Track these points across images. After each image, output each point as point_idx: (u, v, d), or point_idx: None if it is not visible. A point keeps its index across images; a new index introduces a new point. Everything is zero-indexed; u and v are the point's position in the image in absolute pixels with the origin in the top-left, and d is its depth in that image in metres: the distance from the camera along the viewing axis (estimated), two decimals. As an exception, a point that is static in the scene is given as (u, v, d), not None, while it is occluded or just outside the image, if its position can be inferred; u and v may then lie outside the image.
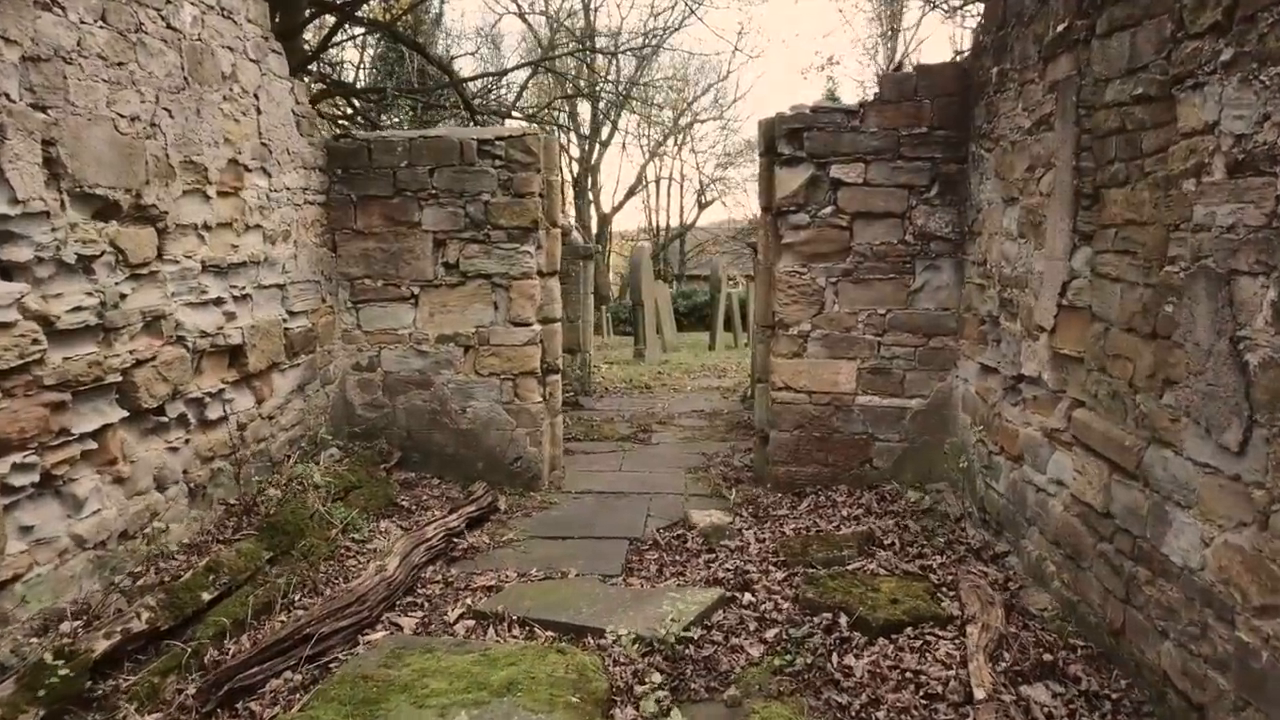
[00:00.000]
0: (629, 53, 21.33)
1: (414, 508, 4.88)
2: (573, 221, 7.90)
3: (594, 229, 32.26)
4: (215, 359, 4.14)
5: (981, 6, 5.28)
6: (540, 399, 5.50)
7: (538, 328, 5.46)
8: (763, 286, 5.56)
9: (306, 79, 13.92)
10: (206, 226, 4.02)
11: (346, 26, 17.56)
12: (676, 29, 27.42)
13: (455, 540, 4.38)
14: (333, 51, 20.19)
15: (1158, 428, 2.90)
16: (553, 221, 5.60)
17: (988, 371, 4.68)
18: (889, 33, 24.38)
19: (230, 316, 4.24)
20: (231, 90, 4.25)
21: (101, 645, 2.73)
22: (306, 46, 12.86)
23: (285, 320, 4.79)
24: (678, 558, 4.24)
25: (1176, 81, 2.80)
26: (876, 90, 5.22)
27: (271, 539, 3.81)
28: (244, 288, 4.36)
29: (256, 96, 4.47)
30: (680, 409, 8.38)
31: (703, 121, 33.68)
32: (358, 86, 16.51)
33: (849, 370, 5.31)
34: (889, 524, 4.50)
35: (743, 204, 54.70)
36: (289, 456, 4.70)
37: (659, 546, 4.41)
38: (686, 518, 4.76)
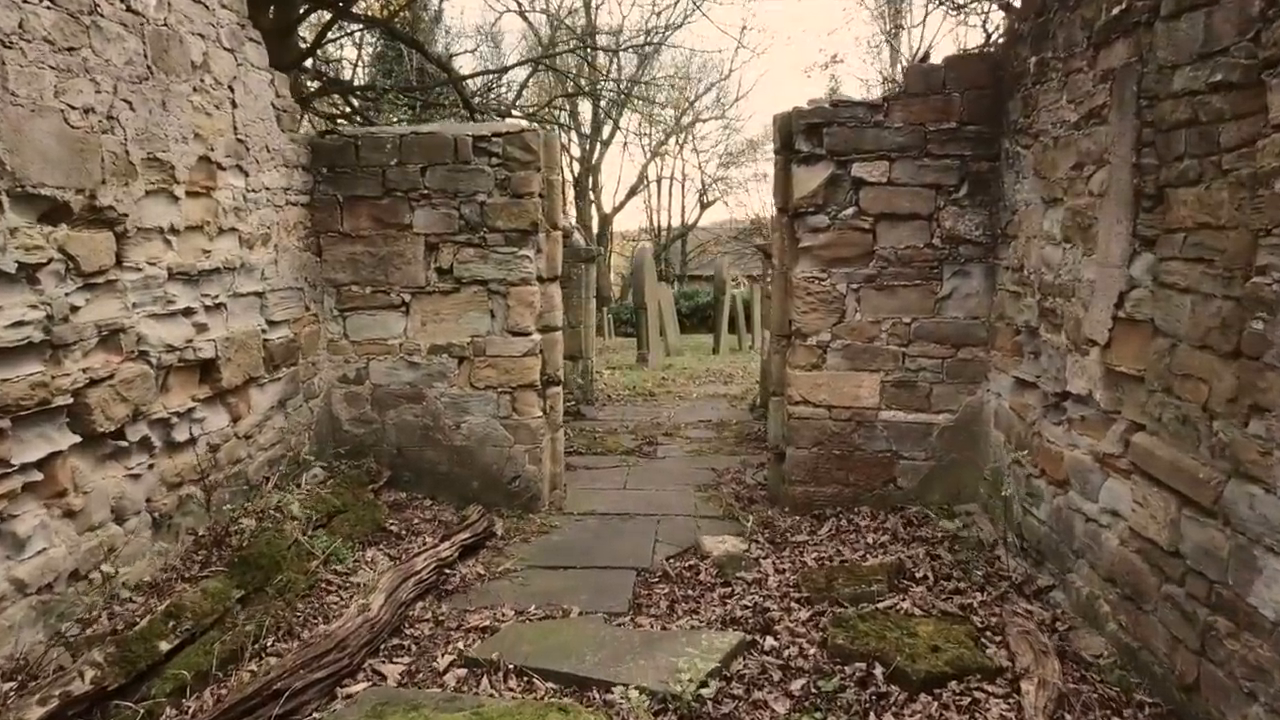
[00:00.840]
0: (630, 49, 20.95)
1: (404, 532, 4.52)
2: (574, 223, 7.53)
3: (595, 229, 31.96)
4: (184, 375, 3.78)
5: (989, 6, 4.91)
6: (540, 413, 5.14)
7: (537, 337, 5.11)
8: (778, 293, 5.20)
9: (304, 76, 13.59)
10: (174, 230, 3.66)
11: (344, 23, 17.23)
12: (679, 26, 27.08)
13: (447, 572, 4.02)
14: (330, 49, 19.86)
15: (1242, 460, 2.54)
16: (553, 223, 5.25)
17: (1024, 386, 4.32)
18: (893, 30, 24.03)
19: (201, 328, 3.88)
20: (203, 81, 3.89)
21: (35, 714, 2.37)
22: (302, 43, 12.53)
23: (264, 331, 4.43)
24: (690, 592, 3.88)
25: (1268, 66, 2.44)
26: (901, 83, 4.86)
27: (243, 575, 3.45)
28: (217, 296, 4.01)
29: (231, 88, 4.12)
30: (686, 419, 8.03)
31: (704, 121, 33.38)
32: (355, 85, 16.18)
33: (872, 383, 4.95)
34: (919, 553, 4.14)
35: (744, 204, 54.40)
36: (268, 479, 4.34)
37: (669, 578, 4.05)
38: (698, 544, 4.40)
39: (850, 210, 4.86)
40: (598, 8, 26.00)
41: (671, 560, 4.28)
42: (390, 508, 4.81)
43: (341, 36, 17.37)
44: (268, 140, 4.45)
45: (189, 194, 3.78)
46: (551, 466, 5.35)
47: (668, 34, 24.34)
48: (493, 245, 4.96)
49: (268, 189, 4.46)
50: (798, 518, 4.89)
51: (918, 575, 3.86)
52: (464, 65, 22.34)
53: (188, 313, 3.78)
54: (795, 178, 4.91)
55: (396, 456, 5.13)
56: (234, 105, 4.14)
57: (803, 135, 4.87)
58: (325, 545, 3.95)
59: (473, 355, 5.03)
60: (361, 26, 15.67)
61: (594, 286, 8.51)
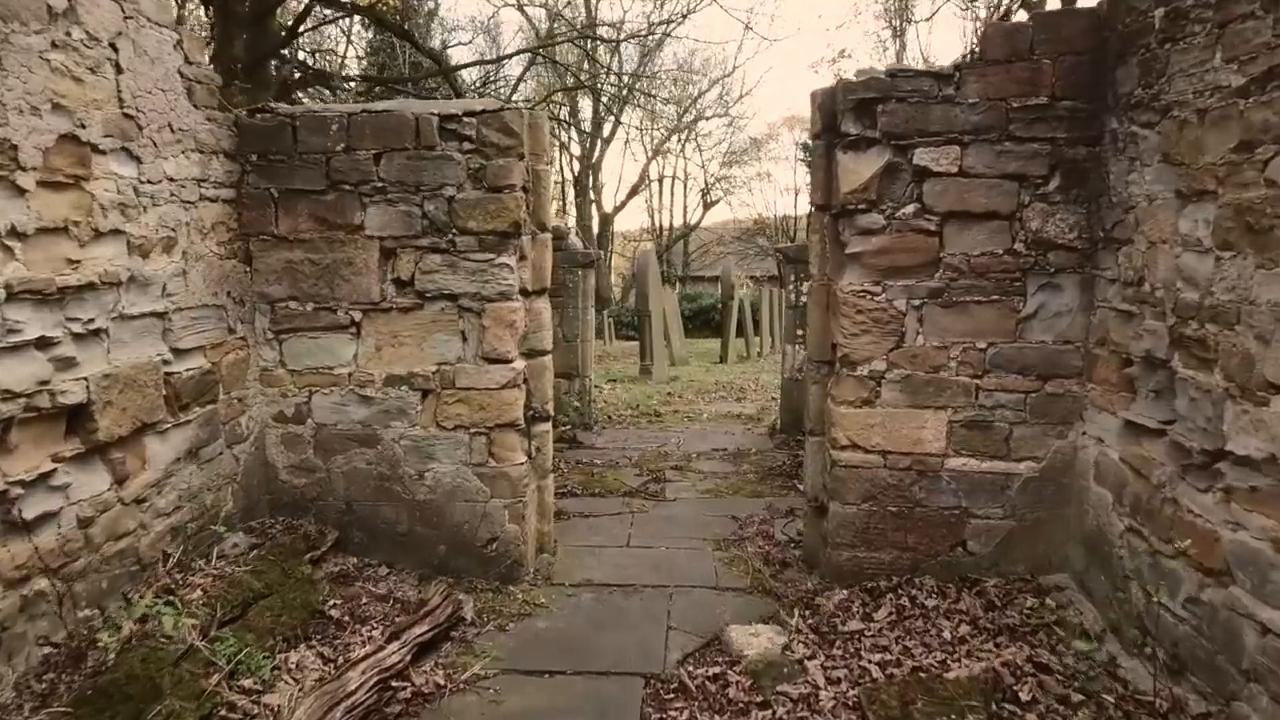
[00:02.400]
0: (633, 40, 19.99)
1: (347, 619, 3.54)
2: (571, 223, 6.52)
3: (595, 229, 31.17)
4: (37, 428, 2.81)
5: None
6: (523, 458, 4.16)
7: (520, 364, 4.12)
8: (817, 309, 4.22)
9: (288, 67, 12.61)
10: (16, 233, 2.69)
11: (326, 11, 16.24)
12: (681, 22, 26.13)
13: (395, 685, 3.04)
14: (313, 38, 18.89)
15: None
16: (541, 224, 4.27)
17: (1142, 434, 3.35)
18: (900, 27, 23.04)
19: (65, 364, 2.90)
20: (69, 35, 2.91)
21: None
22: (282, 31, 11.59)
23: (167, 362, 3.46)
24: (718, 718, 2.89)
25: None
26: (977, 48, 3.88)
27: (100, 712, 2.48)
28: (93, 321, 3.03)
29: (114, 47, 3.14)
30: (698, 446, 7.05)
31: (708, 118, 32.59)
32: (342, 75, 15.26)
33: (937, 423, 3.97)
34: (1017, 657, 3.15)
35: (748, 203, 53.59)
36: (168, 555, 3.37)
37: (688, 693, 3.06)
38: (724, 637, 3.43)
39: (911, 208, 3.89)
40: (598, 3, 25.06)
41: (690, 662, 3.30)
42: (334, 582, 3.82)
43: (323, 24, 16.41)
44: (171, 118, 3.47)
45: (44, 184, 2.80)
46: (538, 524, 4.37)
47: (674, 26, 23.43)
48: (464, 251, 3.98)
49: (172, 180, 3.48)
50: (845, 593, 3.91)
51: (1023, 697, 2.87)
52: (460, 58, 21.42)
53: (42, 344, 2.80)
54: (840, 167, 3.93)
55: (345, 513, 4.15)
56: (118, 69, 3.15)
57: (850, 114, 3.89)
58: (232, 650, 2.97)
59: (439, 387, 4.05)
60: (344, 13, 14.72)
61: (592, 294, 7.55)
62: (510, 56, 17.85)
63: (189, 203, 3.60)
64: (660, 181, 36.13)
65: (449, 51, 20.55)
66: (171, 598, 3.03)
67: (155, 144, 3.36)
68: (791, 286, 7.19)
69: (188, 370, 3.58)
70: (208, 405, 3.72)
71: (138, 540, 3.26)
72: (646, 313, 11.47)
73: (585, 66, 21.00)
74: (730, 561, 4.39)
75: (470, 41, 23.84)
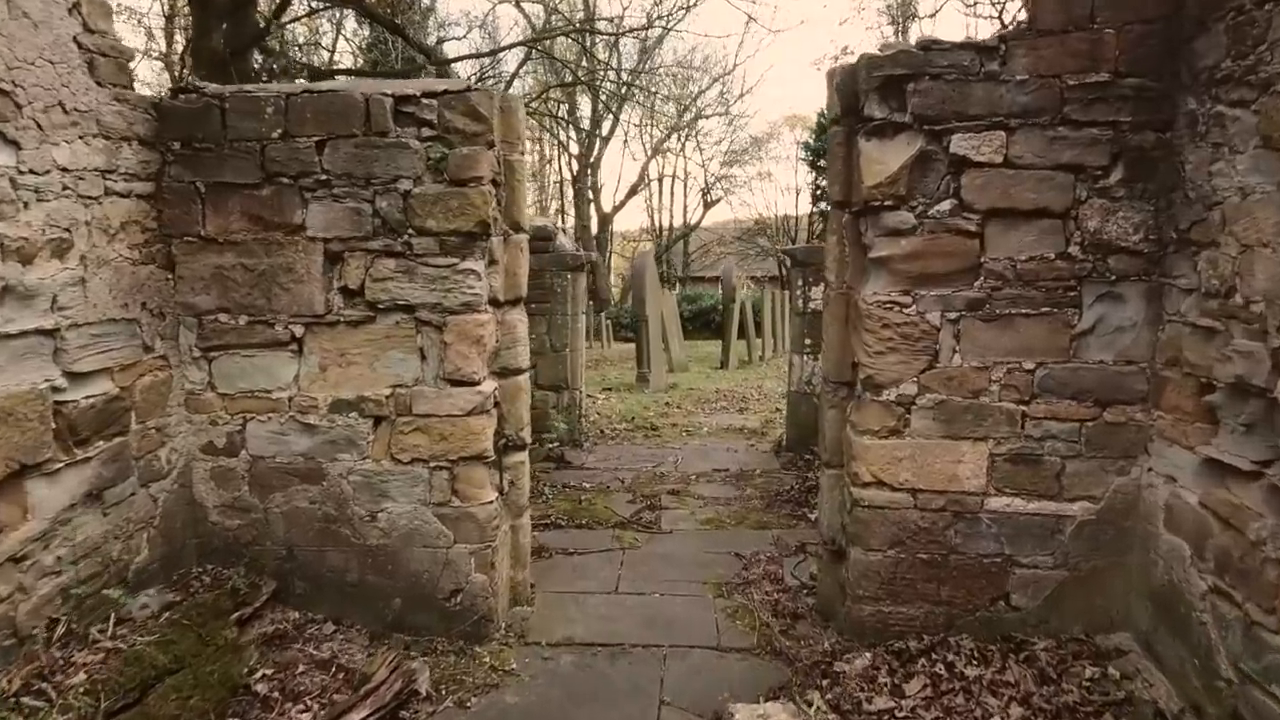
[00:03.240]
0: (632, 34, 19.42)
1: (276, 696, 2.96)
2: (569, 222, 5.92)
3: (594, 228, 30.66)
4: None
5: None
6: (493, 495, 3.58)
7: (489, 386, 3.55)
8: (834, 322, 3.64)
9: (275, 60, 12.03)
10: None
11: (314, 2, 15.66)
12: (682, 17, 25.57)
13: (321, 793, 2.46)
14: (308, 34, 18.33)
15: None
16: (515, 223, 3.70)
17: (1229, 475, 2.77)
18: (903, 24, 22.46)
19: (-94, 397, 2.32)
20: (-87, -12, 2.34)
21: None
22: (262, 22, 11.03)
23: (59, 389, 2.88)
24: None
25: None
26: (1026, 17, 3.30)
27: None
28: (-51, 342, 2.45)
29: (-20, 6, 2.56)
30: (697, 465, 6.47)
31: (708, 117, 32.11)
32: (330, 69, 14.70)
33: (976, 457, 3.39)
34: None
35: (748, 203, 53.02)
36: (55, 622, 2.78)
37: (684, 802, 2.49)
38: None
39: (947, 204, 3.31)
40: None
41: (686, 755, 2.72)
42: (267, 645, 3.24)
43: (308, 15, 15.84)
44: (64, 95, 2.89)
45: (-127, 173, 2.22)
46: (511, 571, 3.79)
47: (678, 19, 22.88)
48: (422, 255, 3.40)
49: (66, 171, 2.90)
50: (869, 656, 3.32)
51: (1102, 815, 2.29)
52: (456, 53, 20.83)
53: None
54: (863, 157, 3.36)
55: (286, 560, 3.56)
56: (-14, 33, 2.58)
57: (875, 95, 3.32)
58: (119, 752, 2.39)
59: (394, 414, 3.47)
60: (331, 4, 14.16)
61: (583, 300, 6.97)
62: (504, 49, 17.28)
63: (90, 198, 3.02)
64: (660, 181, 35.69)
65: (445, 47, 19.97)
66: (46, 685, 2.45)
67: (40, 126, 2.78)
68: (799, 291, 6.61)
69: (87, 398, 3.00)
70: (114, 438, 3.14)
71: (14, 608, 2.68)
72: (643, 318, 10.88)
73: (584, 64, 20.40)
74: (734, 612, 3.81)
75: (464, 36, 23.29)
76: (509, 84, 20.34)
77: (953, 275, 3.34)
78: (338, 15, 18.28)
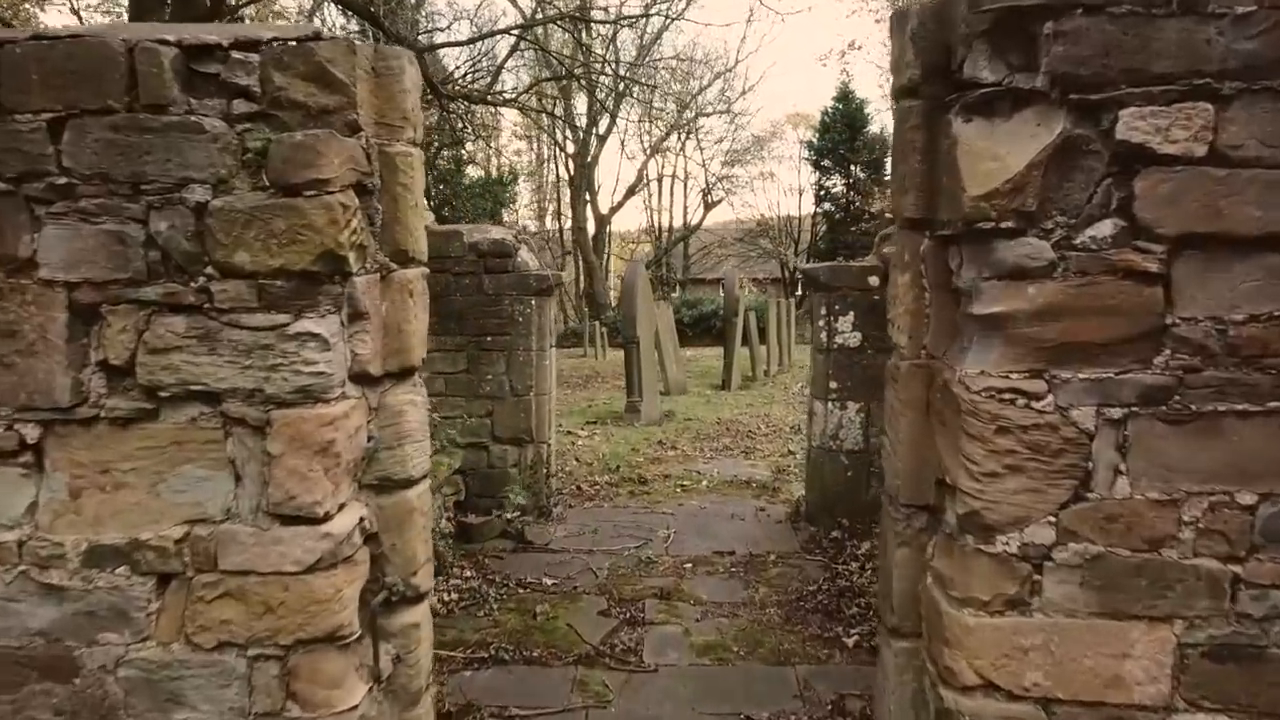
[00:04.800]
0: (628, 23, 18.10)
1: None
2: (513, 236, 4.56)
3: (591, 230, 29.46)
4: None
5: None
6: (359, 691, 2.23)
7: (348, 520, 2.19)
8: (908, 411, 2.29)
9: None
10: None
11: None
12: (686, 8, 24.31)
13: None
14: (254, 15, 17.02)
15: None
16: (400, 250, 2.34)
17: None
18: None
19: None
20: None
21: None
22: (208, 2, 9.77)
23: None
24: None
25: None
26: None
27: None
28: None
29: None
30: (694, 545, 5.12)
31: (708, 115, 30.96)
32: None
33: (1153, 648, 2.04)
34: None
35: (750, 204, 51.69)
36: None
37: None
38: None
39: (1108, 226, 1.96)
40: (593, -1, 23.17)
41: None
42: None
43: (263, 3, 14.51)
44: None
45: None
46: (392, 805, 2.44)
47: (676, 14, 21.62)
48: (231, 311, 2.05)
49: None
50: None
51: None
52: (444, 53, 19.50)
53: None
54: (962, 148, 2.01)
55: (19, 802, 2.22)
56: None
57: (984, 44, 1.97)
58: None
59: (191, 569, 2.12)
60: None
61: (549, 332, 5.61)
62: (490, 35, 15.83)
63: None
64: (659, 181, 34.54)
65: (432, 32, 18.63)
66: None
67: None
68: (823, 322, 5.25)
69: None
70: None
71: None
72: (634, 339, 9.51)
73: (579, 57, 19.08)
74: None
75: (447, 28, 21.94)
76: (495, 76, 18.97)
77: (1116, 346, 1.99)
78: (307, 3, 16.94)
